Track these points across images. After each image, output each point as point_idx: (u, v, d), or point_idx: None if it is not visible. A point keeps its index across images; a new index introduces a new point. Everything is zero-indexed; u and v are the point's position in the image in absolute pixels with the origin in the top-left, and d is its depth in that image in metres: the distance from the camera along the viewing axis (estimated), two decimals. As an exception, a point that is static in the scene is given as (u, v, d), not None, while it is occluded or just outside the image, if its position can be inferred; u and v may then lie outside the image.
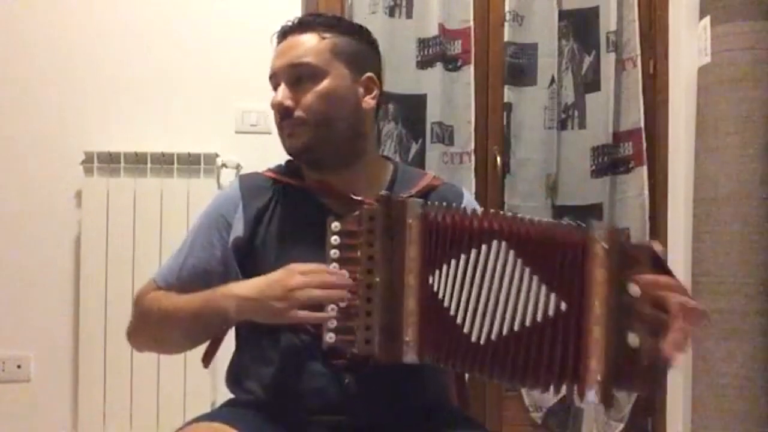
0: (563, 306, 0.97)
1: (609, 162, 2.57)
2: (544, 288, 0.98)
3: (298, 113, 1.19)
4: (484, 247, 1.02)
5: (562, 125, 2.59)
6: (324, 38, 1.22)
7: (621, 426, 2.54)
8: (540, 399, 2.54)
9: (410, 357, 1.04)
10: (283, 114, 1.20)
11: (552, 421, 2.54)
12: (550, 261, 0.98)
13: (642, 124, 2.55)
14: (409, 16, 2.57)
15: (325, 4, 2.54)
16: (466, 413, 1.26)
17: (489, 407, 2.56)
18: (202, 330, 1.21)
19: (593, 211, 2.56)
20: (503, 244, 1.01)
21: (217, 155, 2.44)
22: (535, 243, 1.00)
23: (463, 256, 1.03)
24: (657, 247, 0.97)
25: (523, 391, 2.55)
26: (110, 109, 2.50)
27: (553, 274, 0.98)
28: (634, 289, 0.94)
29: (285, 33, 1.24)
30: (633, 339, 0.93)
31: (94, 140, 2.46)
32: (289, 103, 1.19)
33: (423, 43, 2.55)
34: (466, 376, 1.35)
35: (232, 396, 1.25)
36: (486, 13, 2.61)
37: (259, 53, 2.43)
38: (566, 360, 0.96)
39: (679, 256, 2.46)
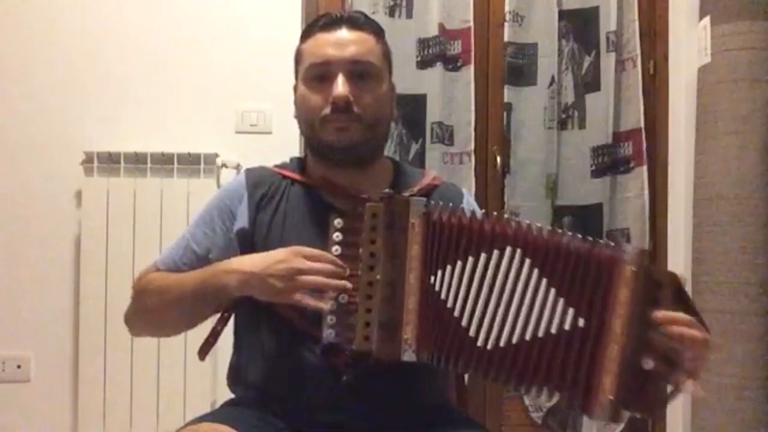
0: (581, 322, 0.98)
1: (609, 162, 2.57)
2: (561, 301, 1.00)
3: (356, 110, 1.20)
4: (496, 252, 1.03)
5: (562, 125, 2.59)
6: (379, 43, 1.26)
7: (621, 426, 2.54)
8: (540, 399, 2.53)
9: (408, 355, 1.04)
10: (342, 107, 1.19)
11: (552, 421, 2.54)
12: (571, 276, 1.00)
13: (642, 124, 2.55)
14: (409, 16, 2.56)
15: (325, 4, 2.53)
16: (466, 413, 1.26)
17: (489, 407, 2.56)
18: (201, 305, 1.20)
19: (593, 211, 2.56)
20: (518, 251, 1.02)
21: (217, 155, 2.44)
22: (556, 255, 1.01)
23: (470, 259, 1.04)
24: (681, 277, 1.00)
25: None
26: (110, 109, 2.50)
27: (573, 289, 0.99)
28: (656, 314, 0.96)
29: (335, 23, 1.24)
30: (647, 363, 0.95)
31: (94, 140, 2.46)
32: (351, 97, 1.20)
33: (423, 43, 2.55)
34: (466, 376, 1.35)
35: (232, 396, 1.25)
36: (486, 13, 2.61)
37: (259, 53, 2.49)
38: (580, 372, 0.98)
39: (679, 256, 2.46)
